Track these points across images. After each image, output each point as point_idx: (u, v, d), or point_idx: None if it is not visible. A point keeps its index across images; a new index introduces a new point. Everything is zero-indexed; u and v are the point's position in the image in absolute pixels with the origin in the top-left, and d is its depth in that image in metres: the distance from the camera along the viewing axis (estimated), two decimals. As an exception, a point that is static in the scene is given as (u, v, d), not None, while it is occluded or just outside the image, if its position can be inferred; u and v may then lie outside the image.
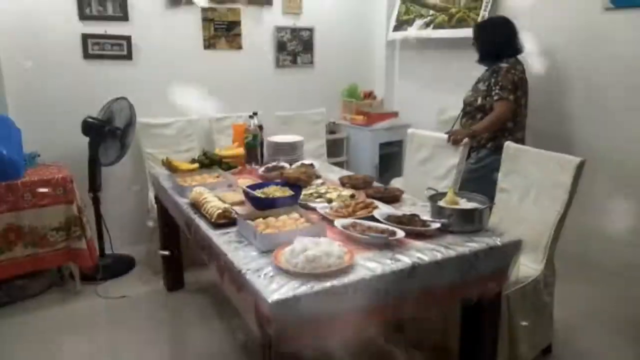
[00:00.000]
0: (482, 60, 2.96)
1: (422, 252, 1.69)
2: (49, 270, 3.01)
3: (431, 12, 3.88)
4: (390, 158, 4.36)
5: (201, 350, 2.48)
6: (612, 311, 2.69)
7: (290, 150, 3.05)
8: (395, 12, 4.24)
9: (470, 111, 2.94)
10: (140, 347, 2.50)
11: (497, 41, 2.90)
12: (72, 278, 3.04)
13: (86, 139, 3.13)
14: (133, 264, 3.39)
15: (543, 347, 2.31)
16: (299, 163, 2.88)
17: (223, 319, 2.72)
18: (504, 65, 2.81)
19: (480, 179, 2.78)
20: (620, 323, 2.58)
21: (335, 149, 4.43)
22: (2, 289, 2.83)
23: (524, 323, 2.11)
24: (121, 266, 3.31)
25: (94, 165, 3.15)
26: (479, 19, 3.41)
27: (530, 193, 2.31)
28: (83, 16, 3.32)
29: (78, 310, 2.86)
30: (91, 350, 2.49)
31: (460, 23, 3.59)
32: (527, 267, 2.21)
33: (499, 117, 2.75)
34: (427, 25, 3.89)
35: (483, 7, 3.42)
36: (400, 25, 4.15)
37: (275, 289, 1.44)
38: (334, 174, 2.84)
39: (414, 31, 4.01)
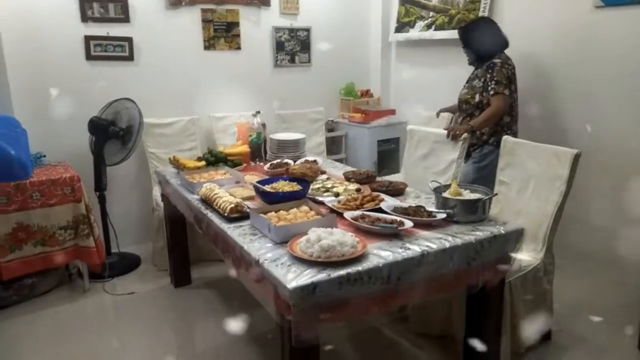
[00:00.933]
0: (476, 61, 3.04)
1: (430, 241, 1.76)
2: (58, 269, 3.05)
3: (431, 13, 3.99)
4: (388, 155, 4.44)
5: (210, 344, 2.54)
6: (607, 299, 2.79)
7: (294, 148, 3.12)
8: (395, 14, 4.35)
9: (467, 109, 3.02)
10: (148, 342, 2.55)
11: (488, 40, 3.00)
12: (80, 276, 3.09)
13: (90, 139, 3.17)
14: (139, 262, 3.44)
15: (543, 333, 2.40)
16: (302, 159, 2.95)
17: (231, 313, 2.77)
18: (497, 61, 2.90)
19: (489, 176, 2.81)
20: (615, 310, 2.68)
21: (334, 146, 4.51)
22: (12, 288, 2.86)
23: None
24: (127, 264, 3.36)
25: (100, 165, 3.20)
26: None
27: (528, 185, 2.40)
28: (85, 18, 3.37)
29: (87, 307, 2.91)
30: (100, 346, 2.53)
31: (460, 24, 3.68)
32: (528, 256, 2.29)
33: (497, 111, 2.84)
34: (428, 27, 4.00)
35: (481, 9, 3.53)
36: (402, 27, 4.27)
37: (293, 277, 1.51)
38: (337, 169, 2.91)
39: (415, 33, 4.13)
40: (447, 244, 1.75)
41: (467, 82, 3.10)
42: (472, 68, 3.12)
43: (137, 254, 3.51)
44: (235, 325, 2.66)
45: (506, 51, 3.03)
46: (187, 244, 3.10)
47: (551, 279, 2.35)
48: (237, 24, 3.95)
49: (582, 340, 2.45)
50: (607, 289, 2.89)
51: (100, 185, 3.23)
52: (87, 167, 3.21)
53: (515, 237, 1.92)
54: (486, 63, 2.93)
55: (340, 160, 4.30)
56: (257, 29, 4.07)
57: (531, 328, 2.28)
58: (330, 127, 4.47)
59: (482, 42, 3.00)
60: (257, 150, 3.08)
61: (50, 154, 3.22)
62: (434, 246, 1.73)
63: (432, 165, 2.90)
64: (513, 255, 1.95)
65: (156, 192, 3.33)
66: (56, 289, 3.06)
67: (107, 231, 3.32)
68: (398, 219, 1.90)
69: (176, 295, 3.04)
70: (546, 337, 2.43)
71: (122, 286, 3.12)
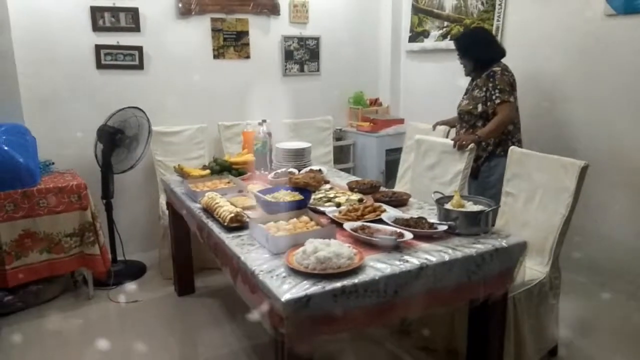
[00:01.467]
0: (474, 70, 3.00)
1: (430, 254, 1.73)
2: (63, 276, 3.07)
3: (446, 23, 3.99)
4: (396, 164, 4.39)
5: (212, 354, 2.53)
6: (618, 314, 2.72)
7: (299, 157, 3.11)
8: (406, 23, 4.36)
9: (470, 119, 2.97)
10: (151, 351, 2.55)
11: (486, 49, 2.97)
12: (85, 283, 3.11)
13: (99, 148, 3.20)
14: (144, 270, 3.45)
15: (549, 349, 2.34)
16: (307, 169, 2.94)
17: (233, 323, 2.76)
18: (496, 69, 2.87)
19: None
20: (625, 326, 2.61)
21: (342, 155, 4.49)
22: (17, 294, 2.89)
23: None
24: (133, 272, 3.38)
25: (107, 173, 3.22)
26: (494, 30, 3.50)
27: (535, 197, 2.35)
28: (96, 28, 3.42)
29: (91, 314, 2.92)
30: (104, 354, 2.53)
31: (455, 35, 3.71)
32: (533, 269, 2.24)
33: (504, 119, 2.80)
34: (443, 36, 3.99)
35: (496, 18, 3.53)
36: (416, 36, 4.29)
37: (287, 289, 1.49)
38: (342, 179, 2.89)
39: (431, 42, 4.14)
40: (447, 257, 1.72)
41: (465, 94, 3.07)
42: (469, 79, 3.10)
43: (143, 261, 3.53)
44: (237, 334, 2.65)
45: (515, 58, 2.99)
46: (191, 253, 3.10)
47: (557, 293, 2.30)
48: (246, 33, 3.98)
49: (590, 357, 2.39)
50: (618, 304, 2.81)
51: (107, 192, 3.25)
52: (95, 174, 3.24)
53: (518, 251, 1.88)
54: (485, 72, 2.90)
55: (348, 169, 4.29)
56: (267, 38, 4.09)
57: (536, 343, 2.23)
58: (339, 135, 4.46)
59: (479, 51, 2.97)
60: (263, 159, 3.07)
61: (59, 161, 3.26)
62: (433, 259, 1.70)
63: (438, 176, 2.87)
64: (516, 269, 1.91)
65: (163, 200, 3.35)
66: (61, 296, 3.08)
67: (114, 239, 3.33)
68: (398, 230, 1.88)
69: (179, 304, 3.04)
70: (552, 352, 2.37)
71: (126, 294, 3.12)
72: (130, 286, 3.24)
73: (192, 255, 3.12)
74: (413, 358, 2.40)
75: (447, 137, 3.28)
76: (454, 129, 3.24)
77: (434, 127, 3.31)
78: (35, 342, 2.63)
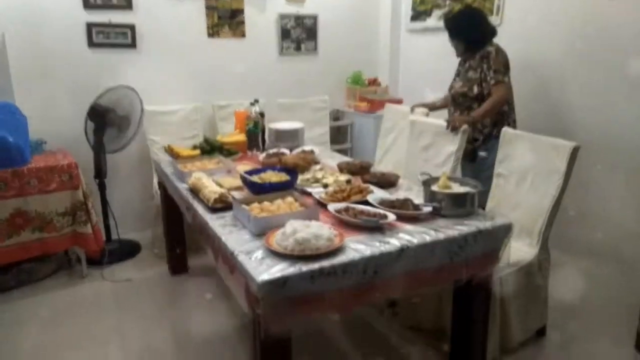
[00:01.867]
0: (467, 51, 2.94)
1: (412, 235, 1.72)
2: (57, 255, 3.09)
3: (448, 2, 3.91)
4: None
5: (204, 331, 2.55)
6: (609, 296, 2.70)
7: (291, 137, 3.08)
8: (410, 2, 4.28)
9: (464, 102, 2.92)
10: (144, 329, 2.57)
11: (478, 29, 2.89)
12: (79, 262, 3.12)
13: (90, 127, 3.18)
14: (138, 249, 3.47)
15: (537, 329, 2.34)
16: (299, 149, 2.91)
17: (225, 302, 2.78)
18: (490, 49, 2.80)
19: None
20: (614, 307, 2.60)
21: (339, 136, 4.46)
22: (11, 273, 2.91)
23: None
24: (127, 251, 3.39)
25: (99, 152, 3.21)
26: (494, 9, 3.42)
27: (527, 178, 2.33)
28: (88, 5, 3.37)
29: (84, 293, 2.94)
30: (97, 331, 2.56)
31: (447, 15, 3.60)
32: (522, 250, 2.23)
33: (499, 100, 2.75)
34: (446, 15, 3.91)
35: None
36: (418, 15, 4.21)
37: (264, 270, 1.48)
38: (334, 160, 2.86)
39: (433, 21, 4.07)
40: (429, 239, 1.70)
41: (458, 75, 3.02)
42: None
43: (138, 240, 3.54)
44: (229, 313, 2.67)
45: (514, 36, 2.92)
46: (184, 232, 3.10)
47: (546, 275, 2.29)
48: (241, 11, 3.91)
49: (578, 338, 2.39)
50: (610, 286, 2.79)
51: (99, 172, 3.25)
52: (88, 154, 3.22)
53: (503, 232, 1.86)
54: (479, 53, 2.83)
55: (345, 150, 4.26)
56: (262, 16, 4.03)
57: (523, 323, 2.23)
58: (336, 116, 4.41)
59: (470, 31, 2.89)
60: (255, 139, 3.04)
61: (51, 140, 3.25)
62: (414, 240, 1.68)
63: (432, 157, 2.83)
64: (501, 250, 1.89)
65: (156, 179, 3.34)
66: (55, 274, 3.10)
67: (107, 218, 3.34)
68: (381, 212, 1.86)
69: (172, 283, 3.05)
70: (540, 332, 2.37)
71: (120, 272, 3.15)
72: (124, 265, 3.26)
73: (185, 235, 3.12)
74: (401, 337, 2.40)
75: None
76: (434, 111, 3.18)
77: (412, 109, 3.25)
78: (28, 320, 2.65)
